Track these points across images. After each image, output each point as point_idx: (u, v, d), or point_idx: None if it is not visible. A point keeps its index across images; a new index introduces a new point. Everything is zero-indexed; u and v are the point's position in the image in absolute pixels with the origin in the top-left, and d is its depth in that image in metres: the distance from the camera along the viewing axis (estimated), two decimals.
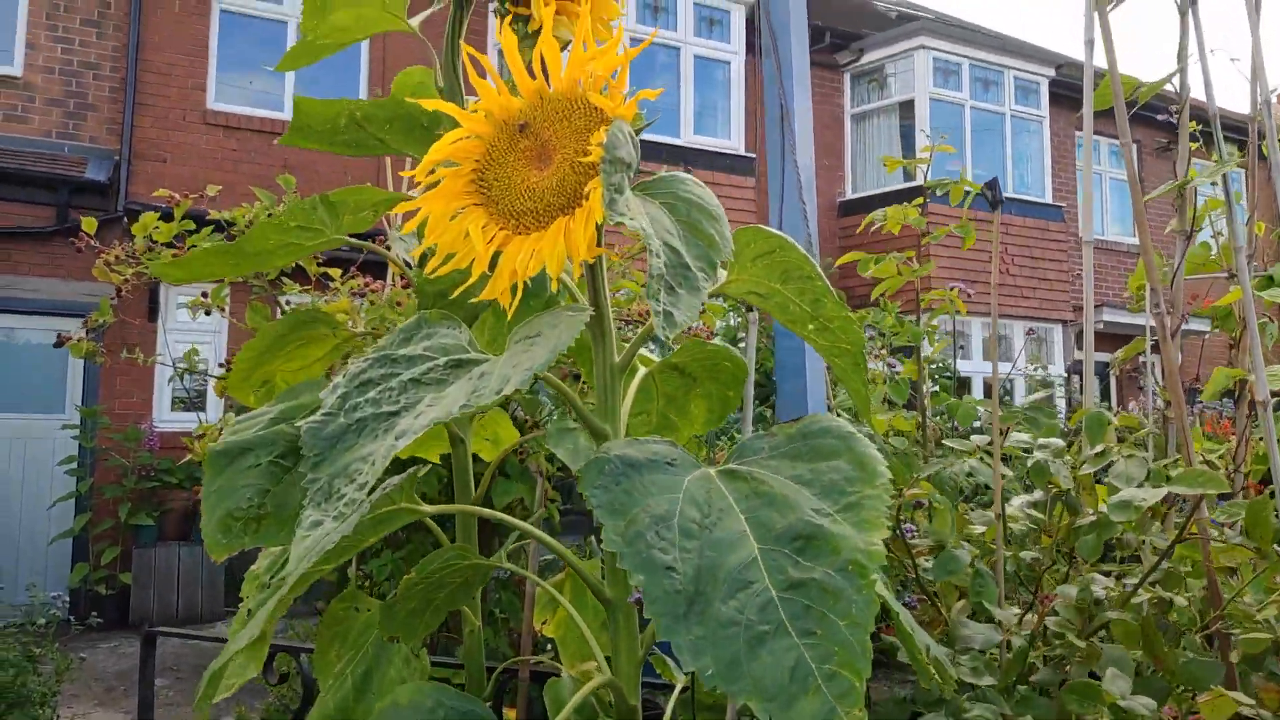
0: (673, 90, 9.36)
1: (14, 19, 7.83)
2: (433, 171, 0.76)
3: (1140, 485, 1.16)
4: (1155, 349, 1.77)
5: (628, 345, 0.85)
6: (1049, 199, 11.45)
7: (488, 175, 0.76)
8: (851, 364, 0.79)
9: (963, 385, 9.77)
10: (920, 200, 1.65)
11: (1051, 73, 11.58)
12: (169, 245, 2.62)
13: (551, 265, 0.69)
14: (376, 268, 2.67)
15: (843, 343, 0.78)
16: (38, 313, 7.27)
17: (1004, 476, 1.47)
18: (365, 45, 8.30)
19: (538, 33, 0.94)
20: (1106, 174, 13.00)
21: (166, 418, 7.54)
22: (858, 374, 0.80)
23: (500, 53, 1.01)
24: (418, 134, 1.07)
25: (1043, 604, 1.10)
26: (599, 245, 0.72)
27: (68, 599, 6.14)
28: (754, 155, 9.67)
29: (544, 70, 0.74)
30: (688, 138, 9.31)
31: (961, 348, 10.34)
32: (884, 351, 3.33)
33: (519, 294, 0.73)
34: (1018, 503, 1.49)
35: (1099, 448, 1.22)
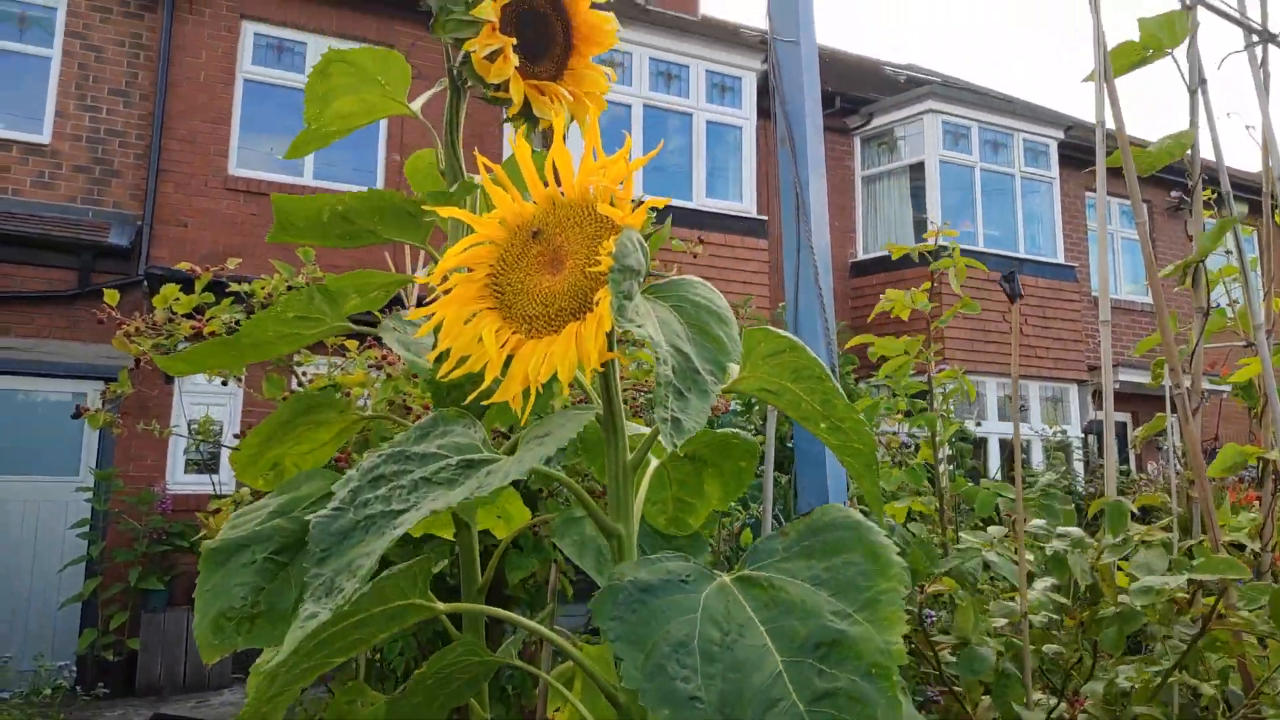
0: (685, 155, 9.51)
1: (45, 89, 8.07)
2: (446, 279, 0.77)
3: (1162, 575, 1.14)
4: (1174, 407, 1.75)
5: (642, 440, 0.85)
6: (1061, 259, 11.48)
7: (501, 280, 0.76)
8: (864, 465, 0.79)
9: (978, 446, 9.68)
10: (927, 285, 1.65)
11: (1060, 134, 11.71)
12: (189, 317, 2.64)
13: (563, 372, 0.69)
14: None
15: (855, 443, 0.77)
16: (58, 375, 7.35)
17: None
18: None
19: (522, 114, 0.96)
20: (1118, 234, 13.04)
21: (180, 480, 7.55)
22: (870, 474, 0.80)
23: (510, 127, 1.03)
24: (407, 223, 1.08)
25: (1073, 706, 1.06)
26: (610, 350, 0.72)
27: (75, 668, 6.07)
28: (766, 217, 9.76)
29: (556, 178, 0.75)
30: (700, 201, 9.43)
31: (981, 422, 10.26)
32: (899, 416, 3.29)
33: (531, 398, 0.73)
34: (1039, 588, 1.46)
35: (1119, 537, 1.19)
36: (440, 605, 0.94)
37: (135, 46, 8.35)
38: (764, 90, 9.77)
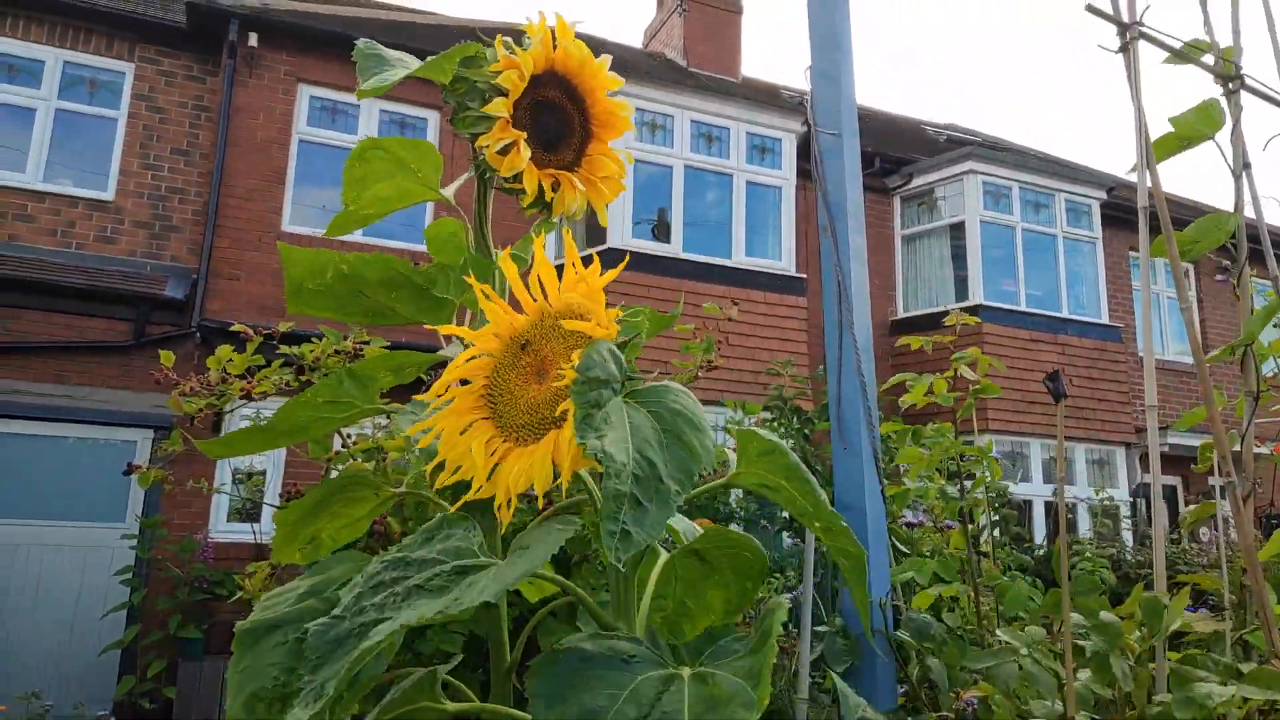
0: (725, 214, 9.60)
1: (110, 148, 8.43)
2: (445, 391, 0.80)
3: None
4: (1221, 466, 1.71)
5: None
6: (1106, 319, 11.32)
7: (494, 390, 0.80)
8: (854, 569, 0.80)
9: (1023, 511, 9.47)
10: (951, 372, 1.64)
11: (1103, 195, 11.63)
12: (240, 377, 2.72)
13: (538, 483, 0.72)
14: None
15: (847, 546, 0.78)
16: (110, 424, 7.53)
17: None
18: None
19: (537, 203, 0.99)
20: (1164, 294, 12.85)
21: (223, 528, 7.64)
22: (859, 579, 0.80)
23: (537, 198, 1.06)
24: (419, 298, 1.09)
25: None
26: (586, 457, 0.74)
27: (114, 716, 6.13)
28: (805, 275, 9.79)
29: (543, 291, 0.79)
30: (739, 259, 9.49)
31: (1028, 481, 10.07)
32: (941, 479, 3.24)
33: (512, 505, 0.75)
34: (1082, 677, 1.43)
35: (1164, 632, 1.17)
36: (449, 705, 0.95)
37: (197, 108, 8.71)
38: (803, 151, 9.88)
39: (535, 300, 0.80)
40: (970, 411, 1.67)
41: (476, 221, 1.09)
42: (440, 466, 0.81)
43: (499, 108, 0.92)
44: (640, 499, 0.67)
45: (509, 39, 0.96)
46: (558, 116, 0.98)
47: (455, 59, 0.98)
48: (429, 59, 0.98)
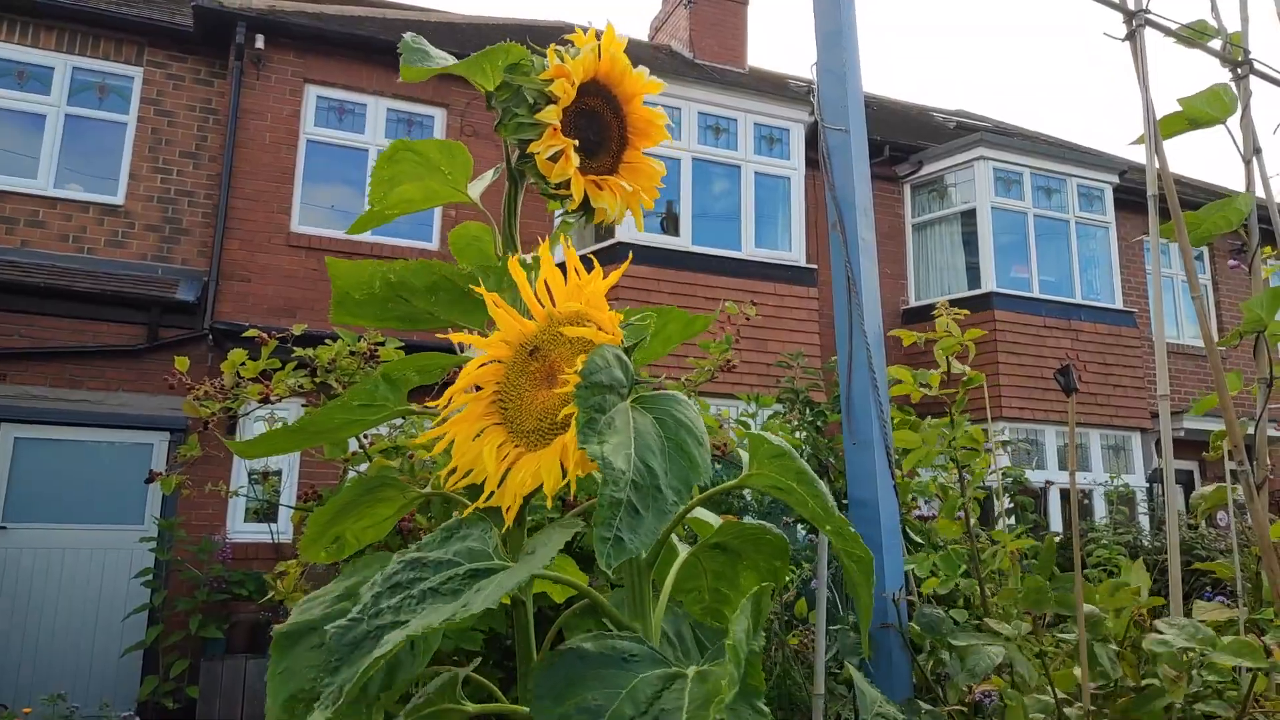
0: (734, 205, 9.59)
1: (120, 153, 8.49)
2: (450, 400, 0.82)
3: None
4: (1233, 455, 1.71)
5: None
6: (1119, 304, 11.25)
7: (505, 396, 0.81)
8: (862, 574, 0.81)
9: (1038, 498, 9.43)
10: (968, 381, 1.64)
11: (1115, 179, 11.55)
12: (255, 380, 2.74)
13: (547, 484, 0.73)
14: None
15: (856, 550, 0.79)
16: (125, 427, 7.60)
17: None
18: None
19: (581, 208, 0.99)
20: (1178, 276, 12.76)
21: (240, 528, 7.70)
22: (867, 584, 0.81)
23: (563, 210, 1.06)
24: (465, 303, 1.11)
25: None
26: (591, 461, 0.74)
27: (138, 717, 6.20)
28: (815, 266, 9.76)
29: (551, 297, 0.80)
30: (749, 250, 9.48)
31: (1043, 468, 10.04)
32: (954, 469, 3.25)
33: (514, 510, 0.77)
34: (1077, 674, 1.43)
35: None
36: (470, 706, 0.97)
37: (205, 111, 8.75)
38: (812, 141, 9.84)
39: (543, 306, 0.80)
40: (980, 402, 1.67)
41: (505, 224, 1.09)
42: (454, 470, 0.82)
43: (550, 115, 0.92)
44: (638, 506, 0.68)
45: (560, 48, 0.97)
46: (598, 124, 0.99)
47: (494, 59, 0.98)
48: (470, 56, 0.98)
